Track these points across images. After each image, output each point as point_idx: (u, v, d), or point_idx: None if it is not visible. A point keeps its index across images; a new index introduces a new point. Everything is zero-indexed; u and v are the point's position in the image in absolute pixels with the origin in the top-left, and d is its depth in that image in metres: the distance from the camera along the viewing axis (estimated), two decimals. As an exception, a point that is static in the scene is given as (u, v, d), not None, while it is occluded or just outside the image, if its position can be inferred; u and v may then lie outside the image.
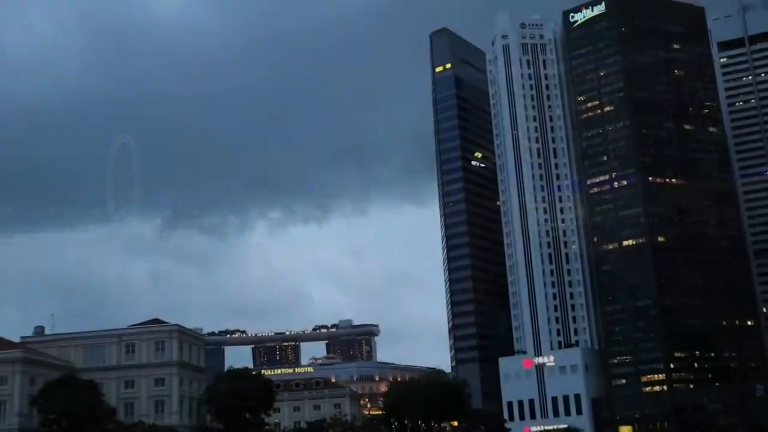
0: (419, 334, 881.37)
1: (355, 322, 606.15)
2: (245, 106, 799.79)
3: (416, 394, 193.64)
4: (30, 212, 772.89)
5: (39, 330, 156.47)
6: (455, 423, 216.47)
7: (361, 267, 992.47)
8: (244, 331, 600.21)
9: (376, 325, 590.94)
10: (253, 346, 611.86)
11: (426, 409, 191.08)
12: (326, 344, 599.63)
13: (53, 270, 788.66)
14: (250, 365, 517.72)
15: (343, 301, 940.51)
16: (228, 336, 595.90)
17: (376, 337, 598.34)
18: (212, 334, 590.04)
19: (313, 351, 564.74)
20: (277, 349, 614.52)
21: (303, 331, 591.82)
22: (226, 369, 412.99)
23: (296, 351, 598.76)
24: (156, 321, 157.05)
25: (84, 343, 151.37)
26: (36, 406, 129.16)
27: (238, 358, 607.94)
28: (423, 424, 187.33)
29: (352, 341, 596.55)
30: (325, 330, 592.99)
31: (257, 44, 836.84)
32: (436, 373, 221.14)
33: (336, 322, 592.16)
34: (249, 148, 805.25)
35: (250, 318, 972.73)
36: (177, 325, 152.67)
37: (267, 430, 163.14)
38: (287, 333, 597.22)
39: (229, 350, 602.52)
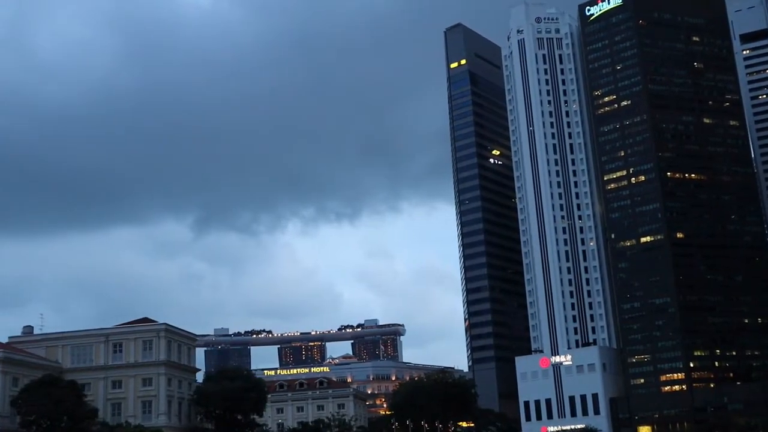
0: (448, 333, 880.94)
1: (384, 322, 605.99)
2: (275, 106, 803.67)
3: (420, 394, 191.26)
4: (63, 214, 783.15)
5: (27, 330, 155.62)
6: (464, 424, 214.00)
7: (391, 266, 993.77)
8: (270, 332, 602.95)
9: (402, 325, 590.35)
10: (279, 346, 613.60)
11: (430, 409, 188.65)
12: (351, 344, 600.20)
13: (87, 271, 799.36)
14: (276, 365, 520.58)
15: (373, 300, 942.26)
16: (254, 336, 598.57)
17: (401, 337, 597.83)
18: (238, 334, 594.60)
19: (339, 351, 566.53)
20: (302, 349, 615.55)
21: (328, 331, 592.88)
22: (252, 368, 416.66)
23: (322, 351, 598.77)
24: (144, 320, 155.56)
25: (71, 343, 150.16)
26: (16, 407, 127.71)
27: (265, 358, 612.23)
28: (426, 425, 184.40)
29: (377, 341, 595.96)
30: (351, 330, 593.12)
31: (286, 45, 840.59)
32: (443, 372, 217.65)
33: (362, 321, 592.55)
34: (280, 148, 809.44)
35: (281, 318, 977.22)
36: (165, 324, 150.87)
37: (259, 431, 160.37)
38: (313, 333, 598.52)
39: (255, 350, 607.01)
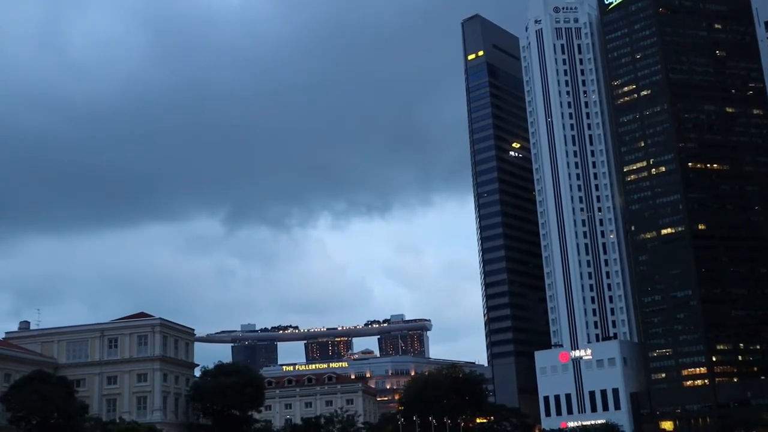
0: (476, 328, 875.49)
1: (415, 317, 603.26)
2: (303, 101, 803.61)
3: (429, 389, 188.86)
4: (96, 211, 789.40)
5: (24, 325, 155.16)
6: (482, 419, 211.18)
7: (422, 260, 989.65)
8: (296, 327, 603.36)
9: (428, 320, 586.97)
10: (305, 341, 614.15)
11: (439, 404, 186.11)
12: (378, 339, 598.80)
13: (119, 267, 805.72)
14: (303, 360, 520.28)
15: (403, 295, 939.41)
16: (280, 332, 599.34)
17: (428, 332, 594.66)
18: (265, 330, 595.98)
19: (366, 346, 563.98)
20: (328, 344, 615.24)
21: (355, 327, 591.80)
22: (278, 363, 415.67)
23: (348, 346, 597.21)
24: (141, 314, 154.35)
25: (67, 338, 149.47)
26: (5, 404, 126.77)
27: (292, 353, 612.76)
28: (434, 421, 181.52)
29: (404, 336, 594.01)
30: (377, 325, 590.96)
31: (313, 41, 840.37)
32: (452, 367, 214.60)
33: (388, 316, 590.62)
34: (309, 142, 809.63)
35: (312, 313, 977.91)
36: (160, 318, 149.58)
37: (256, 428, 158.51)
38: (339, 328, 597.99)
39: (282, 346, 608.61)
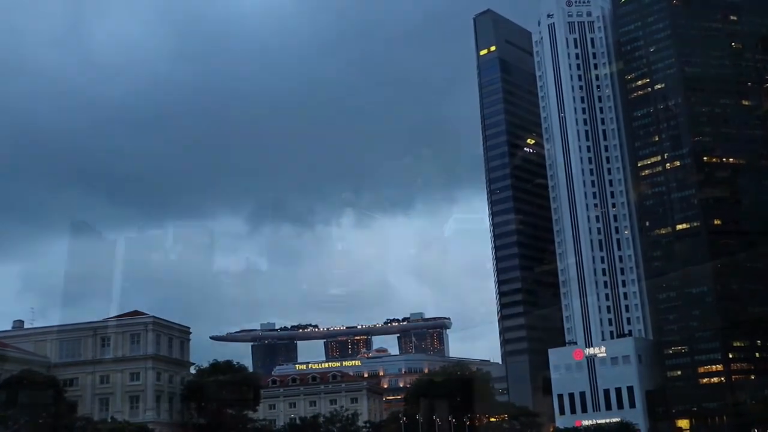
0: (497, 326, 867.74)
1: (436, 315, 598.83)
2: (327, 97, 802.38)
3: (433, 388, 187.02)
4: (120, 210, 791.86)
5: (18, 324, 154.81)
6: (492, 419, 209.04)
7: (447, 258, 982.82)
8: (316, 326, 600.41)
9: (448, 318, 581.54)
10: (325, 340, 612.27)
11: (442, 402, 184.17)
12: (398, 338, 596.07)
13: (144, 266, 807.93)
14: (323, 358, 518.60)
15: (426, 293, 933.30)
16: (300, 331, 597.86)
17: (448, 330, 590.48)
18: (284, 329, 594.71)
19: (386, 344, 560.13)
20: (348, 343, 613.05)
21: (374, 325, 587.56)
22: (291, 363, 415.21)
23: (368, 344, 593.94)
24: (134, 313, 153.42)
25: (60, 337, 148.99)
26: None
27: (312, 351, 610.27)
28: (438, 419, 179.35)
29: (423, 335, 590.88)
30: (396, 323, 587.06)
31: (342, 38, 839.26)
32: (458, 365, 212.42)
33: (408, 315, 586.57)
34: (333, 139, 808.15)
35: (334, 312, 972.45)
36: (153, 316, 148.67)
37: (255, 427, 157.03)
38: (358, 327, 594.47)
39: (302, 344, 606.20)
